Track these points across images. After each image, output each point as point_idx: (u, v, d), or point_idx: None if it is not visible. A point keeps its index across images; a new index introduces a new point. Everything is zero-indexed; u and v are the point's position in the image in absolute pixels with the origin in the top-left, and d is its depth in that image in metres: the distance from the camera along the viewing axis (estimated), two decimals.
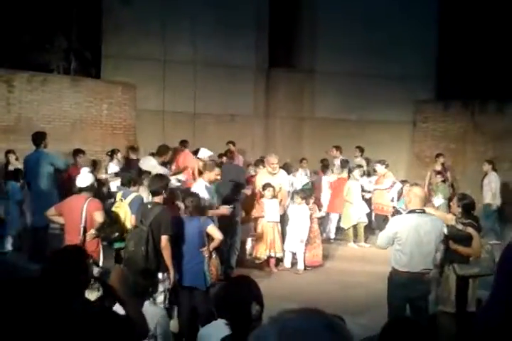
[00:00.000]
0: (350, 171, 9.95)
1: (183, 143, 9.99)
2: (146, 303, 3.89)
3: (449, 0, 12.78)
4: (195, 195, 5.73)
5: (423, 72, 12.94)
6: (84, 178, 5.40)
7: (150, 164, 7.77)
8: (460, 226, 5.12)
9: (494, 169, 10.34)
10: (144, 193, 6.29)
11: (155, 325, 3.70)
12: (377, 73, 12.65)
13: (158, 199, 5.18)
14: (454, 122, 12.52)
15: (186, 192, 6.28)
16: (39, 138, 7.50)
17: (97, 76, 11.87)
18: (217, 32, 12.09)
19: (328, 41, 12.85)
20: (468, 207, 5.26)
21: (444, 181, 10.43)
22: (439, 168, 10.92)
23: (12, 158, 8.98)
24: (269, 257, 7.75)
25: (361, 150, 11.21)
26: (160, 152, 8.22)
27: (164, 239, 4.95)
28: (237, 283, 2.82)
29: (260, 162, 8.94)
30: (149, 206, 5.16)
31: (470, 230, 5.05)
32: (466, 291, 5.08)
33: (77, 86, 11.04)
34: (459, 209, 5.23)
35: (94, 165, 10.02)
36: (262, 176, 8.11)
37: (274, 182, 7.91)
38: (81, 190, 5.36)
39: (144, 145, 11.54)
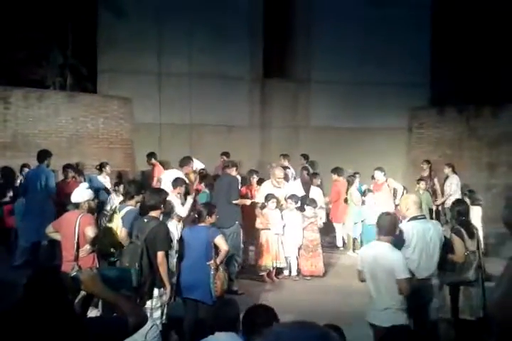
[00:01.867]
0: (349, 182, 9.93)
1: (152, 156, 10.20)
2: None
3: (443, 7, 12.89)
4: (208, 205, 5.76)
5: (418, 78, 13.01)
6: (79, 194, 5.38)
7: (175, 176, 7.74)
8: (447, 234, 5.19)
9: (454, 172, 10.57)
10: (174, 197, 6.55)
11: (144, 335, 3.67)
12: (372, 81, 12.72)
13: (155, 213, 5.13)
14: (450, 128, 12.57)
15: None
16: (43, 155, 7.83)
17: (93, 91, 11.94)
18: (212, 44, 12.18)
19: (323, 50, 12.94)
20: (460, 213, 5.33)
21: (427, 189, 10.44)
22: (425, 174, 10.93)
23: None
24: (272, 267, 7.80)
25: (306, 157, 11.11)
26: (182, 163, 8.24)
27: (161, 254, 4.88)
28: (261, 308, 3.44)
29: (254, 172, 8.96)
30: (146, 220, 5.09)
31: (453, 237, 5.14)
32: (457, 298, 5.17)
33: (73, 101, 11.09)
34: (450, 214, 5.31)
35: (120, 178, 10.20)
36: (265, 188, 8.11)
37: (279, 194, 7.93)
38: (75, 205, 5.35)
39: (141, 158, 11.58)
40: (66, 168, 8.81)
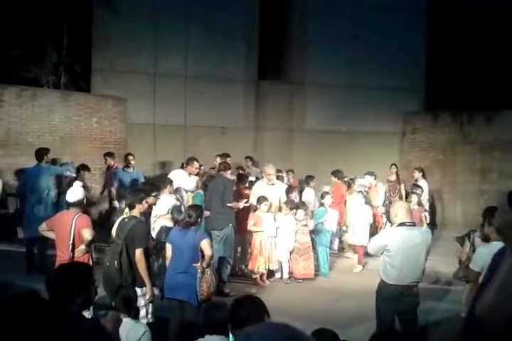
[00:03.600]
0: (349, 184, 9.93)
1: (111, 155, 9.82)
2: (128, 320, 3.83)
3: (438, 13, 12.97)
4: (198, 207, 5.77)
5: (412, 83, 13.08)
6: (74, 193, 5.36)
7: (179, 176, 7.89)
8: None
9: (424, 177, 10.60)
10: (167, 198, 6.74)
11: None
12: (367, 85, 12.76)
13: (134, 212, 5.22)
14: (443, 133, 12.64)
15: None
16: (41, 153, 7.85)
17: (87, 90, 11.87)
18: (208, 45, 12.17)
19: (318, 53, 12.97)
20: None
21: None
22: (392, 178, 10.92)
23: None
24: (265, 269, 7.79)
25: (251, 159, 11.00)
26: (186, 163, 8.33)
27: (138, 252, 4.93)
28: (249, 299, 3.21)
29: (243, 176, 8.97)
30: (126, 220, 5.18)
31: (465, 238, 5.47)
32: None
33: (66, 100, 11.02)
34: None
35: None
36: (258, 187, 8.10)
37: (273, 193, 7.92)
38: (70, 205, 5.33)
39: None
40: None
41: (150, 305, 5.06)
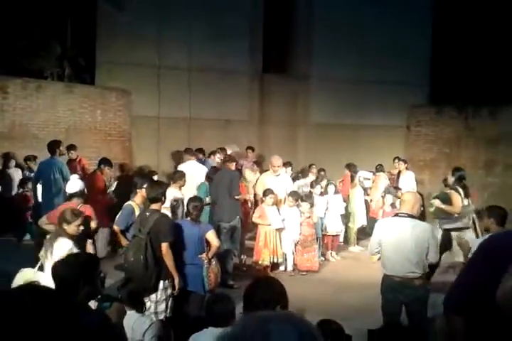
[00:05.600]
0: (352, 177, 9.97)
1: (70, 148, 9.06)
2: (133, 313, 3.83)
3: (443, 6, 12.89)
4: (199, 200, 5.74)
5: (417, 77, 13.03)
6: (73, 184, 5.39)
7: (189, 166, 8.14)
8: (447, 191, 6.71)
9: (406, 168, 10.75)
10: (175, 190, 6.89)
11: (143, 334, 3.69)
12: (372, 79, 12.72)
13: (156, 206, 5.11)
14: (448, 126, 12.61)
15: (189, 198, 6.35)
16: (53, 146, 7.80)
17: (91, 82, 11.86)
18: (212, 38, 12.13)
19: (323, 47, 12.92)
20: (461, 177, 6.86)
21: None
22: (395, 172, 10.92)
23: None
24: (270, 262, 7.81)
25: (253, 150, 11.05)
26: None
27: (165, 246, 4.86)
28: (266, 282, 2.91)
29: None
30: (147, 213, 5.08)
31: (452, 192, 6.68)
32: (449, 242, 6.67)
33: (71, 92, 11.02)
34: (453, 178, 6.87)
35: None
36: (265, 178, 8.12)
37: (278, 184, 7.93)
38: (71, 196, 5.34)
39: (139, 150, 11.56)
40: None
41: (171, 299, 4.98)
